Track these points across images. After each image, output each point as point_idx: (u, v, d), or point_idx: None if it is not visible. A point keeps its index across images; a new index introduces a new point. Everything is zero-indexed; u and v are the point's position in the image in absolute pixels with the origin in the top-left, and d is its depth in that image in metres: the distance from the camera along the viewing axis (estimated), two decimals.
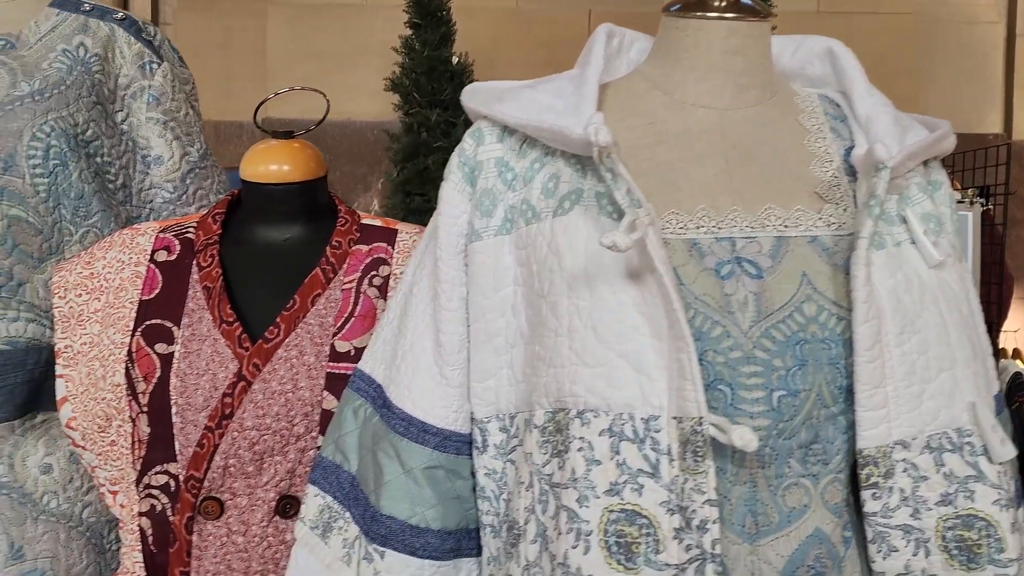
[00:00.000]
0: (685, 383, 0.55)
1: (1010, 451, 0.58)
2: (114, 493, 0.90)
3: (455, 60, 3.27)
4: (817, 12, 4.05)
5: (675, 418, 0.56)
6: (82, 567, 0.96)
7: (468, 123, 2.81)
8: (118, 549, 0.98)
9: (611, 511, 0.56)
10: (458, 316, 0.67)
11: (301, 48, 3.86)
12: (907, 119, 0.68)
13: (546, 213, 0.63)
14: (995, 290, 3.08)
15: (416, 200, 3.35)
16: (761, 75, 0.69)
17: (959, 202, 1.77)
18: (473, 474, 0.69)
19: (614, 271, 0.58)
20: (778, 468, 0.58)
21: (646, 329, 0.57)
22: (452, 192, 0.67)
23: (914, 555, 0.59)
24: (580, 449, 0.58)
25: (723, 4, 0.67)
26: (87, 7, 1.00)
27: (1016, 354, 3.30)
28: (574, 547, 0.57)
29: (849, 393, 0.58)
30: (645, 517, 0.56)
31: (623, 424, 0.57)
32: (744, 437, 0.53)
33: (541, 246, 0.62)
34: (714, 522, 0.54)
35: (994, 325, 3.10)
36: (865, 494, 0.59)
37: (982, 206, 3.14)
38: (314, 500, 0.74)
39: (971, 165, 3.22)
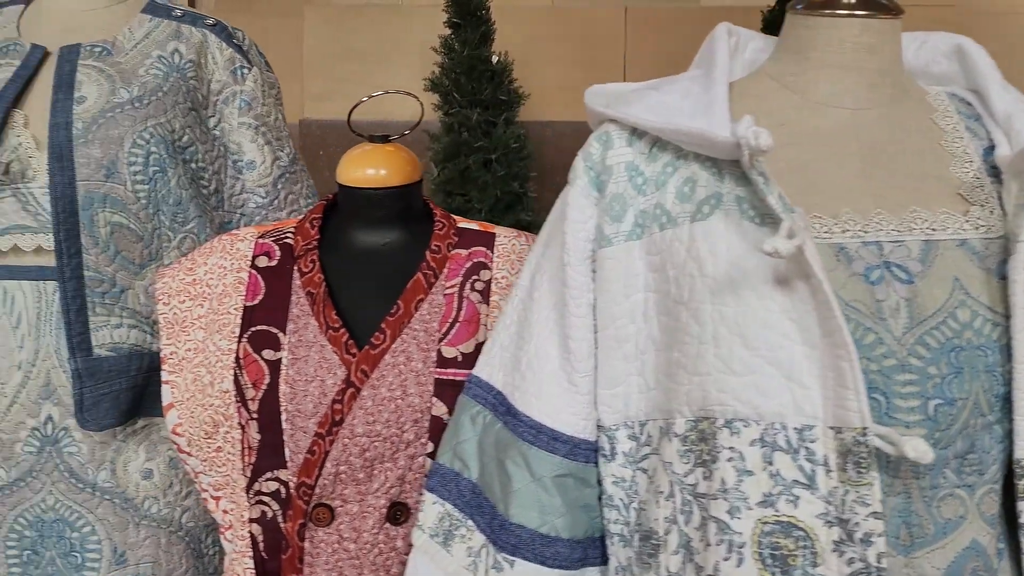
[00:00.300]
0: (846, 392, 0.53)
1: None
2: (217, 499, 0.90)
3: (495, 59, 3.26)
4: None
5: (832, 428, 0.54)
6: (182, 572, 0.96)
7: (508, 122, 2.78)
8: (215, 554, 0.99)
9: (765, 523, 0.55)
10: (587, 323, 0.66)
11: (339, 48, 3.87)
12: None
13: (683, 218, 0.62)
14: None
15: (457, 200, 3.34)
16: (894, 74, 0.67)
17: None
18: (599, 482, 0.68)
19: (760, 277, 0.57)
20: (933, 479, 0.57)
21: (797, 336, 0.56)
22: (579, 197, 0.66)
23: None
24: (730, 459, 0.57)
25: (854, 1, 0.65)
26: (178, 13, 1.01)
27: None
28: (726, 559, 0.56)
29: (1006, 401, 0.57)
30: (801, 529, 0.54)
31: (775, 434, 0.56)
32: (918, 448, 0.51)
33: (679, 251, 0.61)
34: (879, 535, 0.53)
35: None
36: (1021, 504, 0.57)
37: None
38: (432, 508, 0.74)
39: None
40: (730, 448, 0.57)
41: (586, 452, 0.67)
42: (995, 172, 0.63)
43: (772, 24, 3.43)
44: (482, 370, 0.74)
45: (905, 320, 0.57)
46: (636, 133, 0.66)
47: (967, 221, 0.61)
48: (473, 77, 3.21)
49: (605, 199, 0.65)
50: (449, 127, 3.25)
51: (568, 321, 0.67)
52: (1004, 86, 0.67)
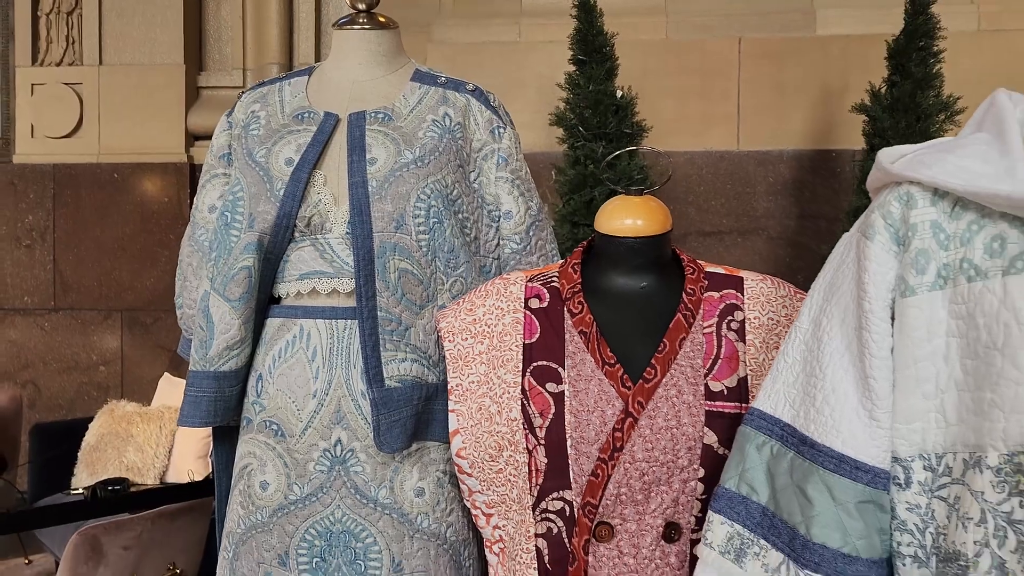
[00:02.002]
0: None
1: None
2: (488, 516, 1.00)
3: (619, 94, 3.37)
4: (978, 31, 3.95)
5: None
6: None
7: (631, 155, 2.87)
8: (470, 566, 1.10)
9: None
10: (888, 364, 0.74)
11: None
12: None
13: (994, 272, 0.69)
14: None
15: (583, 231, 3.45)
16: None
17: None
18: (892, 508, 0.75)
19: None
20: None
21: None
22: (880, 251, 0.75)
23: None
24: None
25: None
26: (443, 80, 1.14)
27: None
28: None
29: None
30: None
31: None
32: None
33: (991, 302, 0.68)
34: None
35: None
36: None
37: None
38: (721, 527, 0.82)
39: None
40: None
41: (884, 480, 0.75)
42: None
43: (898, 53, 3.43)
44: (764, 404, 0.83)
45: None
46: (938, 194, 0.74)
47: None
48: (599, 111, 3.33)
49: (910, 253, 0.73)
50: (575, 160, 3.37)
51: (869, 362, 0.74)
52: None
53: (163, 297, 4.43)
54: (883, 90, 3.42)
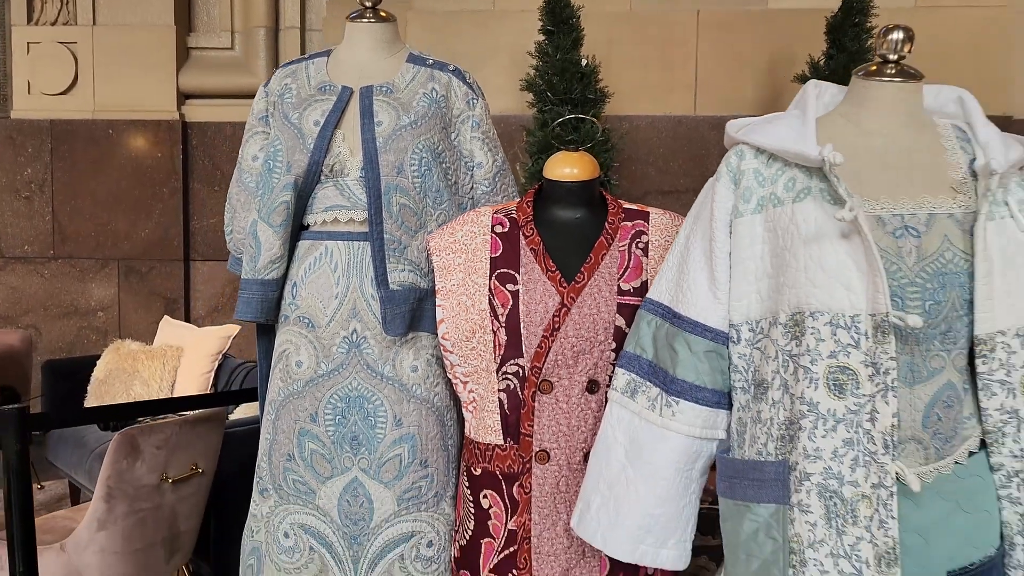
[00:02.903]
0: (878, 295, 1.01)
1: None
2: (464, 383, 1.41)
3: (584, 62, 3.73)
4: (914, 7, 4.35)
5: (870, 315, 1.02)
6: (433, 434, 1.48)
7: (593, 121, 3.32)
8: (451, 424, 1.51)
9: (831, 367, 1.03)
10: (726, 263, 1.15)
11: (438, 51, 4.40)
12: (1011, 139, 1.12)
13: (788, 201, 1.10)
14: None
15: None
16: (916, 114, 1.14)
17: None
18: (728, 357, 1.17)
19: (834, 234, 1.05)
20: (927, 345, 1.04)
21: (853, 266, 1.03)
22: (723, 189, 1.15)
23: (1006, 398, 1.04)
24: (812, 333, 1.04)
25: (893, 72, 1.12)
26: (430, 62, 1.52)
27: None
28: (808, 387, 1.04)
29: (970, 304, 1.04)
30: (852, 370, 1.02)
31: (838, 318, 1.03)
32: (914, 320, 0.99)
33: (785, 220, 1.09)
34: (893, 369, 1.01)
35: None
36: (977, 361, 1.04)
37: None
38: (622, 377, 1.23)
39: None
40: (812, 328, 1.04)
41: (724, 338, 1.16)
42: (974, 175, 1.10)
43: (836, 28, 3.82)
44: (653, 294, 1.24)
45: (914, 258, 1.04)
46: (760, 151, 1.14)
47: (955, 203, 1.08)
48: (565, 78, 3.71)
49: (740, 190, 1.13)
50: (543, 123, 3.75)
51: (714, 262, 1.15)
52: (985, 122, 1.13)
53: (157, 247, 4.75)
54: (821, 62, 3.82)
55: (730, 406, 1.19)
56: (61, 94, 4.69)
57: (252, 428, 2.89)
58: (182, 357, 3.81)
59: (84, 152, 4.69)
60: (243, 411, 3.05)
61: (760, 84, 4.41)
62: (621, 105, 4.40)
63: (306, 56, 1.55)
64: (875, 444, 1.02)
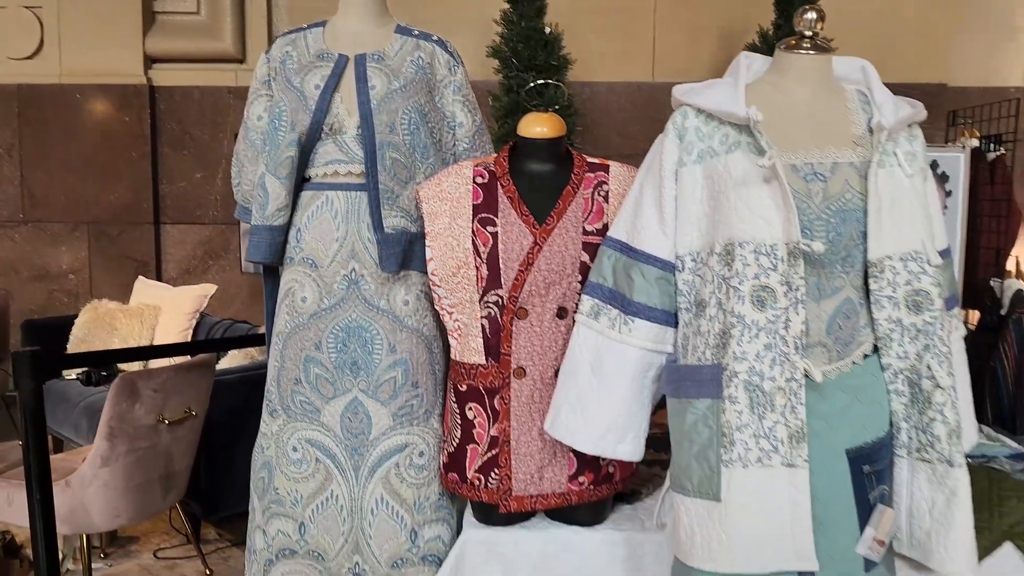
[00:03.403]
0: (791, 228, 1.27)
1: (936, 256, 1.31)
2: (450, 313, 1.65)
3: (548, 31, 3.94)
4: None
5: (785, 243, 1.28)
6: (423, 359, 1.72)
7: (558, 85, 3.61)
8: (438, 351, 1.75)
9: (754, 286, 1.30)
10: (673, 205, 1.40)
11: (405, 18, 4.56)
12: (901, 101, 1.39)
13: (722, 153, 1.35)
14: (1003, 222, 3.72)
15: None
16: (827, 81, 1.40)
17: (955, 146, 2.42)
18: (675, 283, 1.42)
19: (757, 179, 1.31)
20: (830, 269, 1.31)
21: (772, 205, 1.29)
22: (669, 143, 1.40)
23: (893, 309, 1.32)
24: (740, 259, 1.31)
25: (808, 46, 1.38)
26: (416, 33, 1.73)
27: (1020, 274, 3.99)
28: (736, 303, 1.30)
29: (864, 235, 1.31)
30: (771, 288, 1.29)
31: (761, 247, 1.29)
32: (819, 247, 1.25)
33: (720, 169, 1.34)
34: (803, 286, 1.27)
35: (1000, 251, 3.75)
36: (870, 280, 1.32)
37: (995, 151, 3.80)
38: (587, 302, 1.48)
39: (991, 116, 3.85)
40: (740, 255, 1.30)
41: (671, 267, 1.41)
42: (871, 131, 1.36)
43: (784, 0, 4.09)
44: (613, 232, 1.48)
45: (820, 197, 1.31)
46: (700, 111, 1.39)
47: (854, 154, 1.34)
48: (530, 45, 3.92)
49: (684, 144, 1.38)
50: (509, 88, 3.96)
51: (663, 205, 1.40)
52: (881, 87, 1.39)
53: (127, 211, 4.86)
54: (771, 32, 4.09)
55: (676, 324, 1.45)
56: (27, 59, 4.73)
57: (237, 376, 3.11)
58: (159, 316, 3.98)
59: (53, 117, 4.76)
60: (228, 361, 3.25)
61: (715, 52, 4.67)
62: (583, 72, 4.63)
63: (303, 27, 1.75)
64: (788, 347, 1.29)
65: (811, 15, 1.37)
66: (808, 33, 1.39)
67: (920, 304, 1.32)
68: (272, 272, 1.80)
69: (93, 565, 2.89)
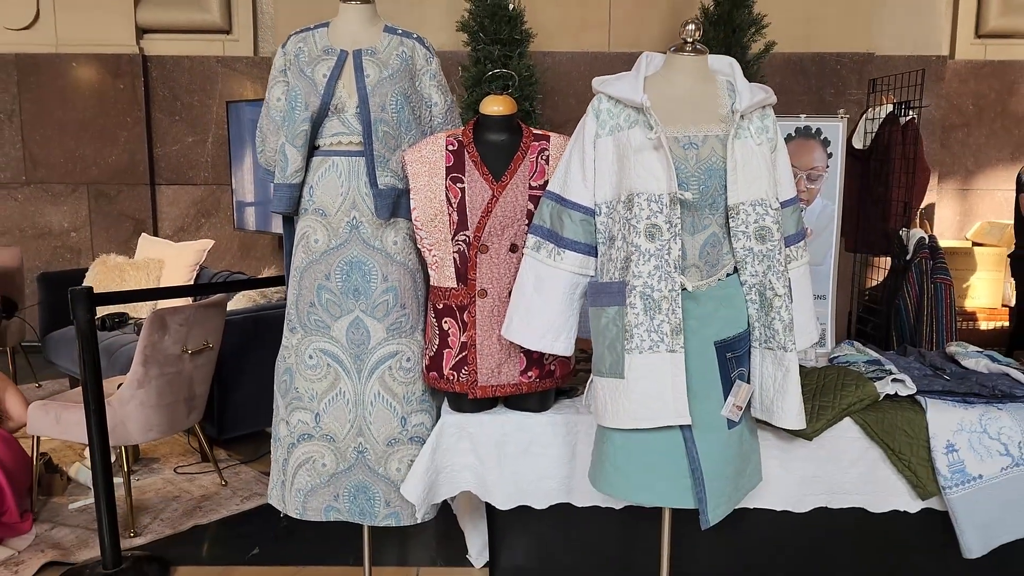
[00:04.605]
0: (672, 182, 1.84)
1: (776, 202, 1.89)
2: (430, 250, 2.21)
3: (511, 7, 4.44)
4: None
5: (668, 194, 1.85)
6: (408, 287, 2.29)
7: (521, 56, 4.32)
8: (420, 281, 2.32)
9: (647, 225, 1.87)
10: (592, 167, 1.96)
11: None
12: (757, 89, 1.96)
13: (626, 128, 1.91)
14: (912, 178, 4.33)
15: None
16: (704, 74, 1.96)
17: (839, 115, 2.98)
18: (594, 224, 1.99)
19: (649, 147, 1.87)
20: (700, 212, 1.89)
21: (659, 167, 1.86)
22: (589, 121, 1.96)
23: (746, 240, 1.90)
24: (637, 205, 1.87)
25: (690, 50, 1.94)
26: (400, 32, 2.26)
27: (922, 225, 4.62)
28: (635, 237, 1.88)
29: (725, 187, 1.88)
30: (658, 225, 1.86)
31: (652, 197, 1.86)
32: (690, 196, 1.83)
33: (624, 141, 1.91)
34: (680, 224, 1.85)
35: (908, 205, 4.37)
36: (730, 219, 1.90)
37: (905, 116, 4.41)
38: (531, 239, 2.05)
39: (907, 84, 4.44)
40: (638, 202, 1.87)
41: (592, 212, 1.98)
42: (733, 112, 1.93)
43: None
44: (550, 187, 2.05)
45: (694, 161, 1.88)
46: (611, 97, 1.94)
47: (720, 128, 1.91)
48: (495, 20, 4.43)
49: (600, 122, 1.94)
50: (476, 59, 4.48)
51: (584, 166, 1.96)
52: (743, 78, 1.96)
53: (125, 172, 5.33)
54: (711, 8, 4.64)
55: (596, 254, 2.02)
56: (24, 29, 5.12)
57: (242, 316, 3.65)
58: (163, 268, 4.49)
59: (50, 84, 5.18)
60: (234, 303, 3.79)
61: (664, 24, 5.20)
62: (545, 42, 5.13)
63: (311, 27, 2.26)
64: (670, 267, 1.86)
65: (691, 27, 1.93)
66: (690, 40, 1.94)
67: (764, 236, 1.90)
68: (289, 220, 2.34)
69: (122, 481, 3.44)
